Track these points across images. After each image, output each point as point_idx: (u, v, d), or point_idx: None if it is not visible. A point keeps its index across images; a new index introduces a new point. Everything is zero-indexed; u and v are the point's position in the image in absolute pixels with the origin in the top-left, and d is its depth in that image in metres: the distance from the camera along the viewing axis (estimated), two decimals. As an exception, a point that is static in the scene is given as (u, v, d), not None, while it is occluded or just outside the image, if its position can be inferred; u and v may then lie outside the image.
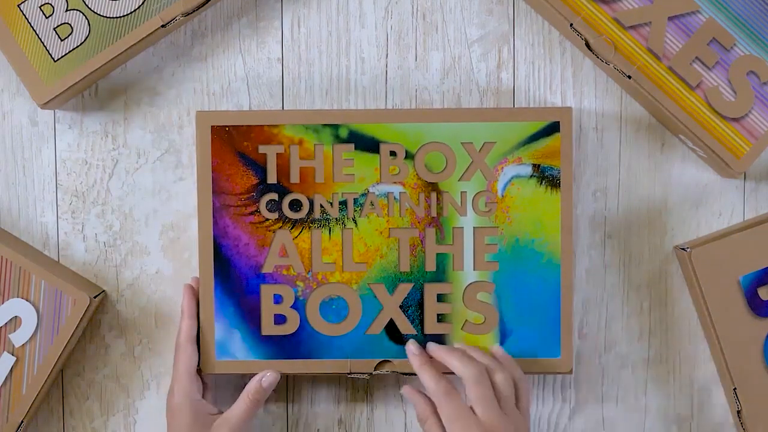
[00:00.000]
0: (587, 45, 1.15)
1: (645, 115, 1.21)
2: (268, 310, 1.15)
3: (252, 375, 1.15)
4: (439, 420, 1.09)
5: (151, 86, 1.21)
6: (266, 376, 1.14)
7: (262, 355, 1.15)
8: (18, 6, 1.14)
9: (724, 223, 1.22)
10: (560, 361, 1.15)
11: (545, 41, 1.21)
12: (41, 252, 1.21)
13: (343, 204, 1.15)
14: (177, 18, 1.15)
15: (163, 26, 1.15)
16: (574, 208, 1.21)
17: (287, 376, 1.21)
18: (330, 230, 1.15)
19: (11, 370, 1.15)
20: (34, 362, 1.15)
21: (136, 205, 1.21)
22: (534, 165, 1.15)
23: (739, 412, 1.18)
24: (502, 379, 1.10)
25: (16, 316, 1.15)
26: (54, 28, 1.15)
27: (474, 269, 1.15)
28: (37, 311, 1.15)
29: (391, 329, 1.15)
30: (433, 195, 1.15)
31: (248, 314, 1.15)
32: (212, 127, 1.14)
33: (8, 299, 1.15)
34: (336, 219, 1.15)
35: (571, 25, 1.15)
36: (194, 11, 1.15)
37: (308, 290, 1.15)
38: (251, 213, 1.15)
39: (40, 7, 1.14)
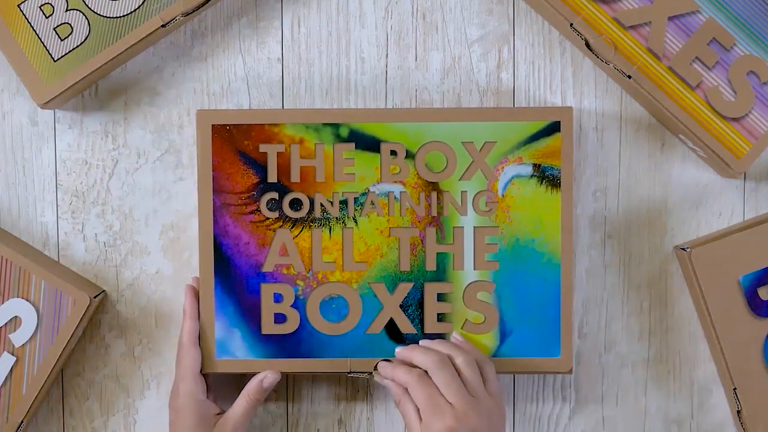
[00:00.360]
0: (587, 45, 1.15)
1: (645, 115, 1.21)
2: (268, 309, 1.15)
3: (252, 374, 1.15)
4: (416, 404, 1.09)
5: (151, 86, 1.21)
6: (267, 376, 1.15)
7: (262, 354, 1.15)
8: (18, 6, 1.14)
9: (724, 223, 1.22)
10: (560, 360, 1.15)
11: (545, 41, 1.21)
12: (41, 252, 1.21)
13: (344, 203, 1.15)
14: (177, 18, 1.15)
15: (163, 26, 1.15)
16: (574, 208, 1.21)
17: (287, 376, 1.21)
18: (330, 229, 1.15)
19: (11, 370, 1.15)
20: (34, 362, 1.15)
21: (136, 205, 1.21)
22: (534, 165, 1.15)
23: (739, 412, 1.18)
24: (462, 361, 1.10)
25: (16, 316, 1.15)
26: (54, 28, 1.15)
27: (474, 269, 1.15)
28: (37, 311, 1.15)
29: (392, 328, 1.15)
30: (434, 194, 1.15)
31: (248, 313, 1.15)
32: (213, 125, 1.14)
33: (8, 299, 1.15)
34: (336, 218, 1.15)
35: (571, 25, 1.15)
36: (194, 11, 1.15)
37: (308, 289, 1.15)
38: (252, 212, 1.15)
39: (40, 7, 1.14)
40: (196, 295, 1.16)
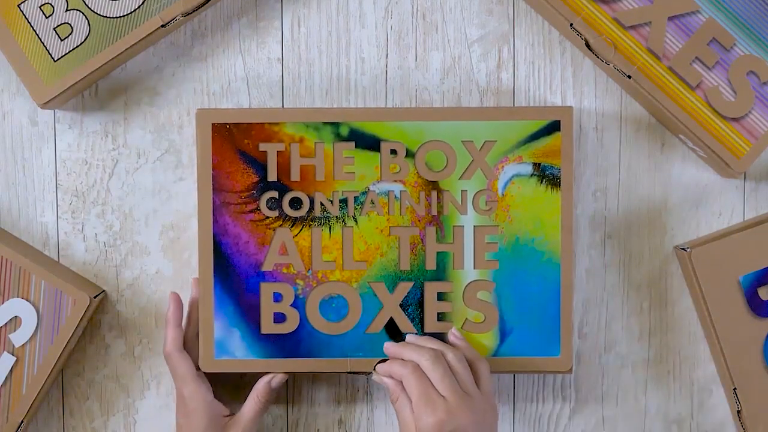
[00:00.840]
0: (587, 45, 1.15)
1: (645, 115, 1.21)
2: (267, 308, 1.15)
3: (252, 374, 1.15)
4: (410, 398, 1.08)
5: (151, 86, 1.21)
6: (276, 377, 1.15)
7: (262, 354, 1.15)
8: (18, 6, 1.14)
9: (724, 223, 1.22)
10: (560, 360, 1.15)
11: (545, 41, 1.21)
12: (41, 252, 1.21)
13: (344, 202, 1.15)
14: (177, 18, 1.15)
15: (163, 26, 1.15)
16: (574, 208, 1.21)
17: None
18: (330, 228, 1.15)
19: (11, 370, 1.15)
20: (34, 362, 1.15)
21: (136, 205, 1.21)
22: (534, 164, 1.15)
23: (739, 412, 1.18)
24: (452, 357, 1.09)
25: (16, 316, 1.15)
26: (54, 28, 1.15)
27: (474, 268, 1.15)
28: (37, 311, 1.15)
29: (391, 328, 1.15)
30: (434, 193, 1.15)
31: (248, 312, 1.15)
32: (213, 124, 1.14)
33: (8, 299, 1.15)
34: (336, 217, 1.15)
35: (571, 25, 1.15)
36: (194, 11, 1.15)
37: (308, 288, 1.15)
38: (251, 211, 1.15)
39: (40, 7, 1.14)
40: (179, 303, 1.16)
